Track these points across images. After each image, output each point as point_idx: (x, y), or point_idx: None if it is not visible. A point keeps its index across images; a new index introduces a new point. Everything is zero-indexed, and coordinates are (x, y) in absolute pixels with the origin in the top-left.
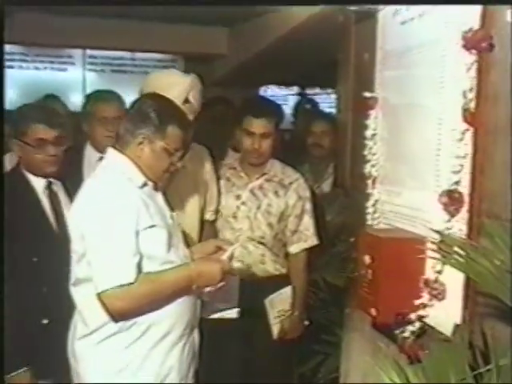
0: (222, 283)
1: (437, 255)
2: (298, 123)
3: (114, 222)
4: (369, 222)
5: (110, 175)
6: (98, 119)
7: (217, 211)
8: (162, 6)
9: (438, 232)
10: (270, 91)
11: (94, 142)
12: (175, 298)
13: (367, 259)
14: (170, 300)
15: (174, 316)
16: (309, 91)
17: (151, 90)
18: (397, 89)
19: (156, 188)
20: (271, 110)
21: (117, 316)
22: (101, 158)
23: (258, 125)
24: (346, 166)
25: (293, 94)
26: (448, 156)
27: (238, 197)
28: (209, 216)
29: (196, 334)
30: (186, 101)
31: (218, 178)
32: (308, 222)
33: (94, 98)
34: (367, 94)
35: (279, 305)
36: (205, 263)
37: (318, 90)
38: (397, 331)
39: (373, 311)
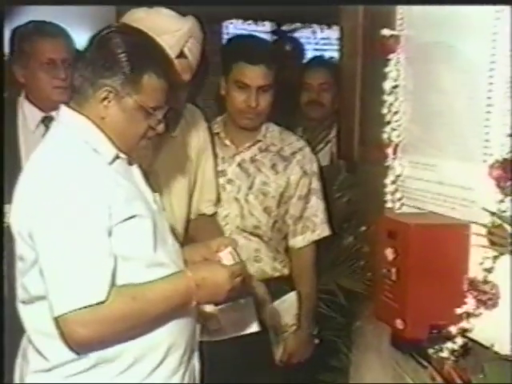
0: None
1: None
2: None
3: (76, 215)
4: (388, 205)
5: (66, 146)
6: (40, 62)
7: (218, 200)
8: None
9: (491, 212)
10: (233, 28)
11: (36, 95)
12: (166, 320)
13: (390, 254)
14: (158, 323)
15: (170, 339)
16: (286, 28)
17: None
18: (428, 24)
19: (130, 161)
20: (271, 53)
21: (77, 347)
22: (45, 120)
23: (255, 74)
24: (354, 130)
25: (265, 32)
26: (502, 114)
27: (223, 172)
28: (205, 207)
29: (196, 360)
30: (181, 54)
31: (216, 154)
32: (316, 205)
33: (31, 32)
34: (385, 32)
35: (281, 317)
36: (207, 268)
37: (298, 26)
38: (431, 350)
39: (398, 323)
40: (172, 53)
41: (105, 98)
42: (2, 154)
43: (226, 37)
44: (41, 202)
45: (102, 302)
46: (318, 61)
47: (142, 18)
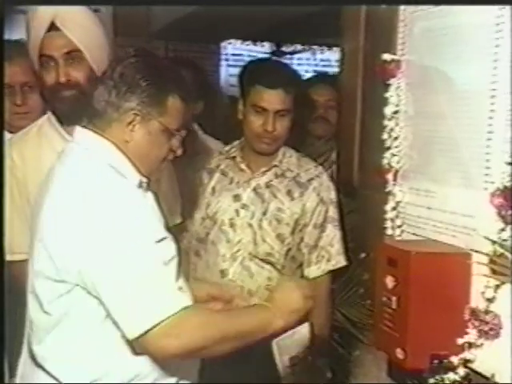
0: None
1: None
2: None
3: (130, 233)
4: (388, 232)
5: (96, 173)
6: None
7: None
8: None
9: (492, 241)
10: (232, 48)
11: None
12: (250, 339)
13: (390, 282)
14: (238, 343)
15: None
16: (286, 49)
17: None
18: (429, 49)
19: (149, 185)
20: (289, 76)
21: (171, 358)
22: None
23: (273, 98)
24: (354, 155)
25: (264, 53)
26: (502, 141)
27: (237, 197)
28: None
29: None
30: (54, 27)
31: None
32: (332, 234)
33: None
34: (386, 56)
35: (292, 349)
36: (280, 289)
37: (298, 47)
38: (431, 380)
39: (398, 353)
40: (41, 26)
41: (131, 122)
42: (2, 158)
43: (224, 57)
44: (88, 237)
45: (186, 308)
46: (324, 77)
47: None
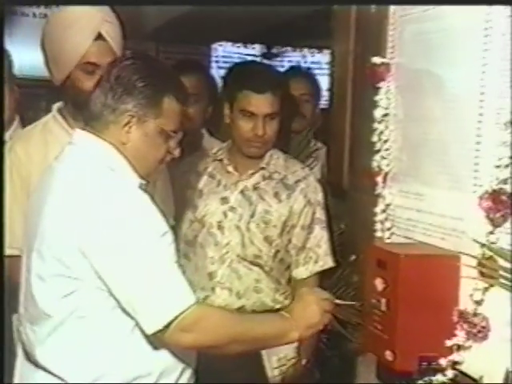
0: None
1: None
2: None
3: (137, 228)
4: (378, 234)
5: (99, 171)
6: None
7: None
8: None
9: (481, 244)
10: (223, 50)
11: None
12: (263, 345)
13: (379, 284)
14: (251, 347)
15: (164, 365)
16: (276, 51)
17: (53, 29)
18: (419, 52)
19: (146, 188)
20: (277, 79)
21: (187, 349)
22: None
23: (262, 102)
24: (344, 158)
25: (254, 55)
26: (492, 144)
27: (225, 200)
28: None
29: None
30: (100, 37)
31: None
32: (320, 235)
33: None
34: (376, 60)
35: (280, 350)
36: (300, 302)
37: (289, 51)
38: (420, 382)
39: (388, 355)
40: (90, 33)
41: (127, 124)
42: (2, 159)
43: (214, 59)
44: (102, 239)
45: (195, 304)
46: (298, 71)
47: (63, 11)
